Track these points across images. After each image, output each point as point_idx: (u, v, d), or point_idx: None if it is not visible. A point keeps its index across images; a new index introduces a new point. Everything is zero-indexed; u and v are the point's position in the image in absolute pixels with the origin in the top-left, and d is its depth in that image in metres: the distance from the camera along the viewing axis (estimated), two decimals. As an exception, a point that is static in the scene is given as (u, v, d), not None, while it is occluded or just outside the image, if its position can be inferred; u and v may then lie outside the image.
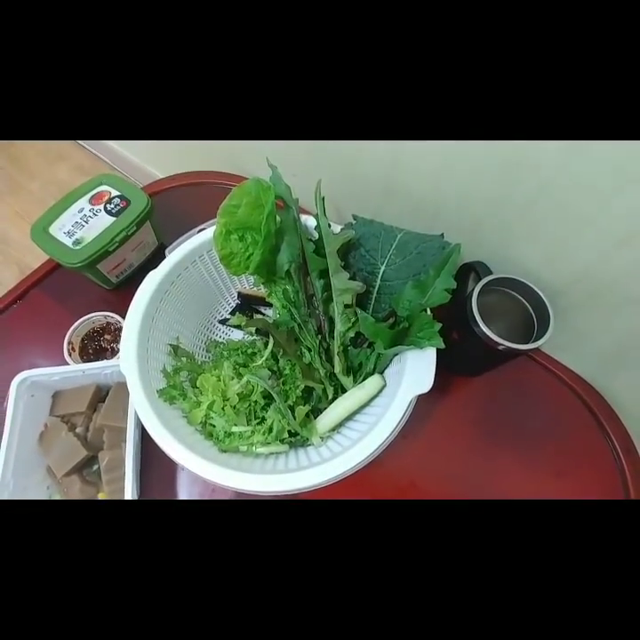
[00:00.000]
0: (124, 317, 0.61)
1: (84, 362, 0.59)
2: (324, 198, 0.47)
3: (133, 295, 0.49)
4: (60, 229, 0.57)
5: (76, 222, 0.58)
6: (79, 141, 1.32)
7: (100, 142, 1.26)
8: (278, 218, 0.47)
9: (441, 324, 0.43)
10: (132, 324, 0.45)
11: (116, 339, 0.62)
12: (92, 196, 0.60)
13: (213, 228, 0.48)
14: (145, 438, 0.52)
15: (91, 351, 0.61)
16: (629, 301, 0.47)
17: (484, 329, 0.46)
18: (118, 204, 0.59)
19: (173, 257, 0.50)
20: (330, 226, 0.47)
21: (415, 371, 0.43)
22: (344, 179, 0.63)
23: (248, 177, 0.77)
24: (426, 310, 0.45)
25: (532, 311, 0.52)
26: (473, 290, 0.49)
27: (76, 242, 0.56)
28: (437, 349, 0.44)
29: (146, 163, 1.20)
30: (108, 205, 0.59)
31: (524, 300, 0.52)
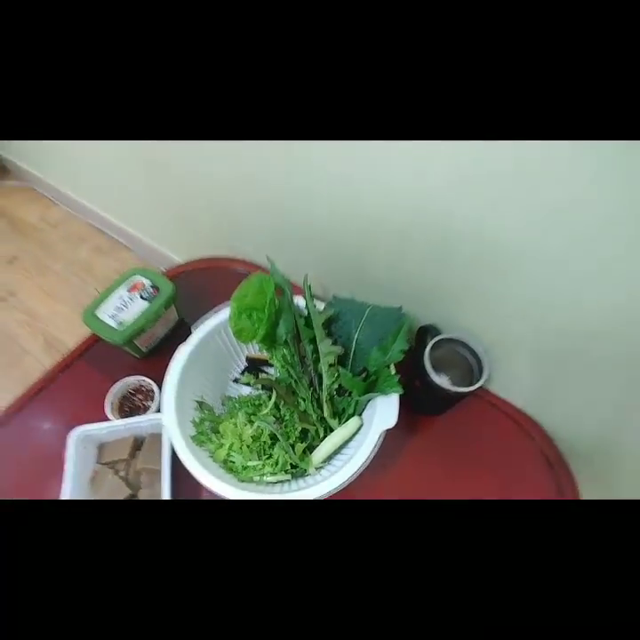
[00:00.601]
0: (152, 380, 0.76)
1: (122, 418, 0.73)
2: (310, 286, 0.64)
3: (159, 362, 0.64)
4: (105, 313, 0.73)
5: (118, 307, 0.73)
6: (97, 225, 1.52)
7: (117, 226, 1.45)
8: (277, 301, 0.64)
9: (399, 376, 0.58)
10: (170, 387, 0.60)
11: (147, 398, 0.76)
12: (129, 286, 0.76)
13: (228, 309, 0.65)
14: (175, 478, 0.65)
15: (126, 409, 0.75)
16: (540, 354, 0.63)
17: (434, 378, 0.61)
18: (150, 291, 0.75)
19: (199, 332, 0.66)
20: (315, 306, 0.63)
21: (383, 411, 0.58)
22: (328, 260, 0.81)
23: (250, 259, 0.96)
24: (389, 366, 0.61)
25: (475, 361, 0.67)
26: (426, 347, 0.65)
27: (119, 323, 0.72)
28: (403, 395, 0.59)
29: (159, 244, 1.39)
30: (142, 293, 0.75)
31: (468, 353, 0.68)
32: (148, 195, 1.17)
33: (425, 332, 0.72)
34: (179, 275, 0.93)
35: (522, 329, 0.63)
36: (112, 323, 0.72)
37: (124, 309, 0.73)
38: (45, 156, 1.50)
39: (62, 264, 1.42)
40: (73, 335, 1.22)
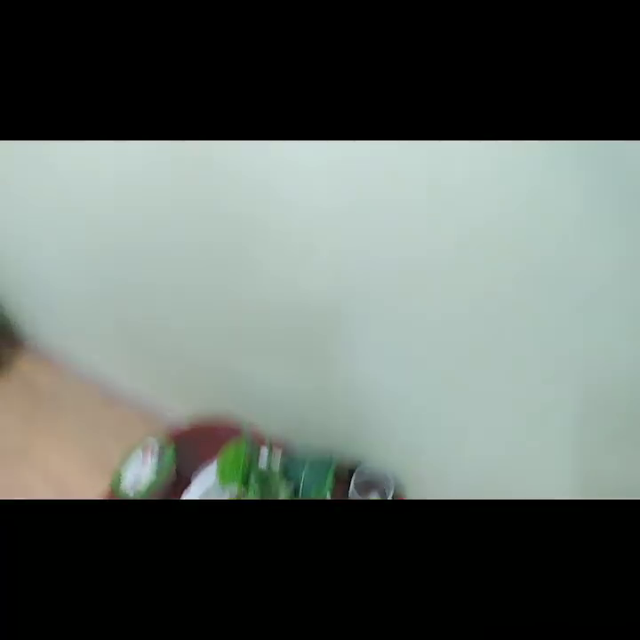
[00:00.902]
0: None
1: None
2: (271, 446, 0.97)
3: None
4: (126, 479, 1.02)
5: (135, 471, 1.03)
6: (100, 384, 1.84)
7: (117, 385, 1.77)
8: (248, 460, 0.96)
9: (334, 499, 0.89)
10: (179, 528, 0.89)
11: (157, 536, 1.02)
12: (144, 451, 1.06)
13: (215, 466, 0.97)
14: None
15: (142, 547, 1.00)
16: (437, 469, 0.96)
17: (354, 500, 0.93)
18: (159, 455, 1.06)
19: (199, 484, 0.96)
20: (274, 460, 0.96)
21: (322, 530, 0.87)
22: (283, 418, 1.15)
23: (228, 413, 1.28)
24: (325, 496, 0.92)
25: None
26: (351, 479, 0.98)
27: (136, 491, 1.01)
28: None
29: (156, 399, 1.70)
30: (153, 456, 1.05)
31: (386, 477, 1.00)
32: (139, 366, 1.52)
33: (354, 465, 1.05)
34: (177, 436, 1.24)
35: (412, 462, 0.97)
36: (130, 492, 1.01)
37: (139, 472, 1.03)
38: (55, 327, 1.85)
39: (71, 420, 1.70)
40: (82, 484, 1.47)
